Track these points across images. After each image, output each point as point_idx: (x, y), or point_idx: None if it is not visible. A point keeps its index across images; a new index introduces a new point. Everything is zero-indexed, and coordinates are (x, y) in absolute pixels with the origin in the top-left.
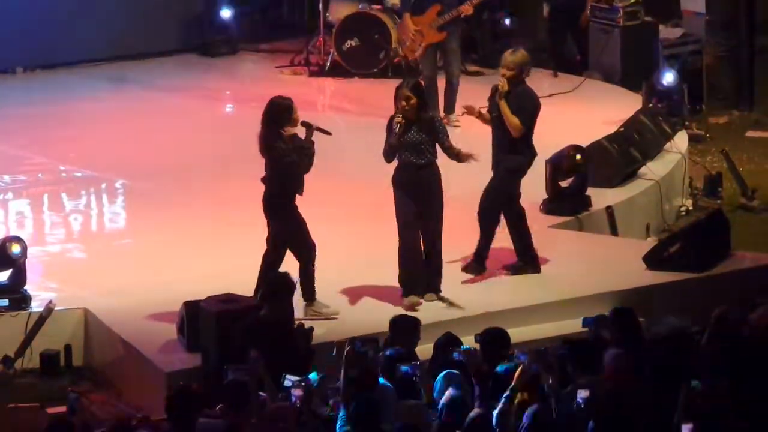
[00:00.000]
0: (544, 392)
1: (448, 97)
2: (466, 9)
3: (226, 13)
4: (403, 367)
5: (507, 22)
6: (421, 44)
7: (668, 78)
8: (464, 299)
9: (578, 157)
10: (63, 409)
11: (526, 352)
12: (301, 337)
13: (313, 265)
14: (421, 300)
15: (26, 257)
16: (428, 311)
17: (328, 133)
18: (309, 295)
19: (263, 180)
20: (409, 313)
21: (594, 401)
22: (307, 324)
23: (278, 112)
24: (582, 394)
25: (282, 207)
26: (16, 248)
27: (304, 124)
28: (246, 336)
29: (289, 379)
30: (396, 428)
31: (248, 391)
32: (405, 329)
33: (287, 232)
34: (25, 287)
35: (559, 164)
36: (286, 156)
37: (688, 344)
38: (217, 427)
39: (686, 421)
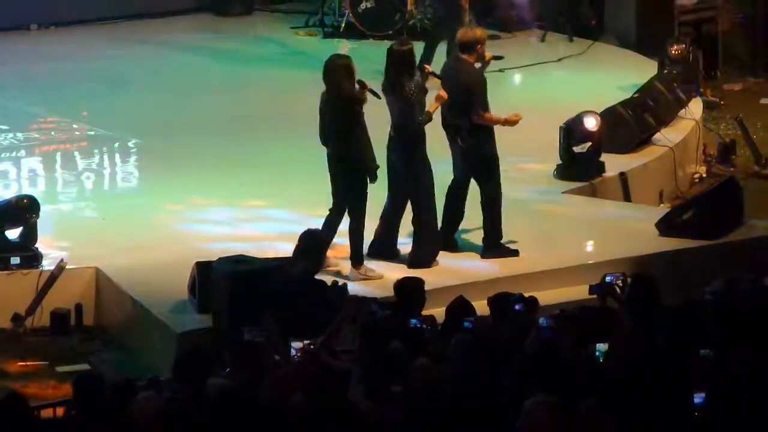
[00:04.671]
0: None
1: None
2: None
3: None
4: (413, 320)
5: None
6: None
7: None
8: (476, 264)
9: (593, 122)
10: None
11: (547, 317)
12: (336, 294)
13: (363, 228)
14: None
15: (38, 215)
16: (440, 275)
17: (378, 96)
18: (357, 257)
19: None
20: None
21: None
22: (342, 283)
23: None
24: (601, 347)
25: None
26: (30, 205)
27: (360, 83)
28: (276, 288)
29: (294, 348)
30: (406, 389)
31: (261, 352)
32: (410, 290)
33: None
34: (37, 245)
35: (573, 130)
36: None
37: (700, 313)
38: (229, 387)
39: (699, 391)
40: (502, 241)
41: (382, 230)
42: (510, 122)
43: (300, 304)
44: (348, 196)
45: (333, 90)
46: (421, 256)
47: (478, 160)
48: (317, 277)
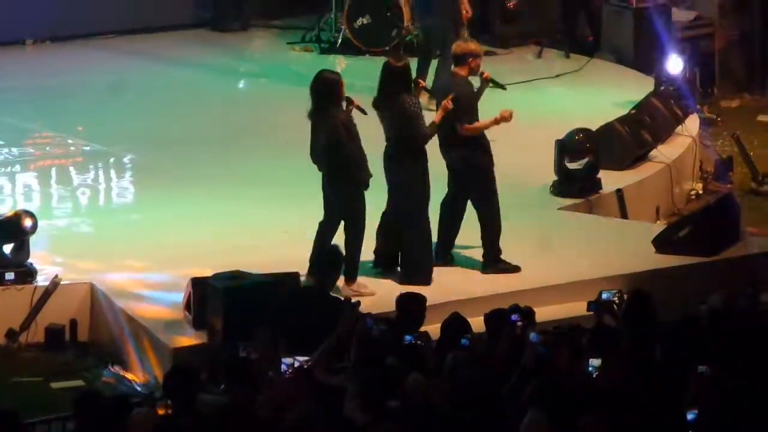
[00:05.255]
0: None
1: None
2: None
3: None
4: (408, 336)
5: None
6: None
7: (675, 65)
8: (473, 280)
9: (586, 139)
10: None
11: (537, 332)
12: (350, 311)
13: (360, 246)
14: None
15: (35, 231)
16: (436, 291)
17: (364, 113)
18: (350, 274)
19: None
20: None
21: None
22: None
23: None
24: (594, 362)
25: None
26: (28, 222)
27: (347, 99)
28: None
29: (284, 363)
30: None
31: (256, 368)
32: (411, 307)
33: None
34: (31, 261)
35: (568, 146)
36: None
37: (698, 330)
38: (220, 403)
39: (692, 408)
40: (501, 257)
41: (383, 243)
42: (502, 119)
43: (312, 319)
44: (343, 213)
45: (315, 108)
46: (414, 272)
47: (466, 172)
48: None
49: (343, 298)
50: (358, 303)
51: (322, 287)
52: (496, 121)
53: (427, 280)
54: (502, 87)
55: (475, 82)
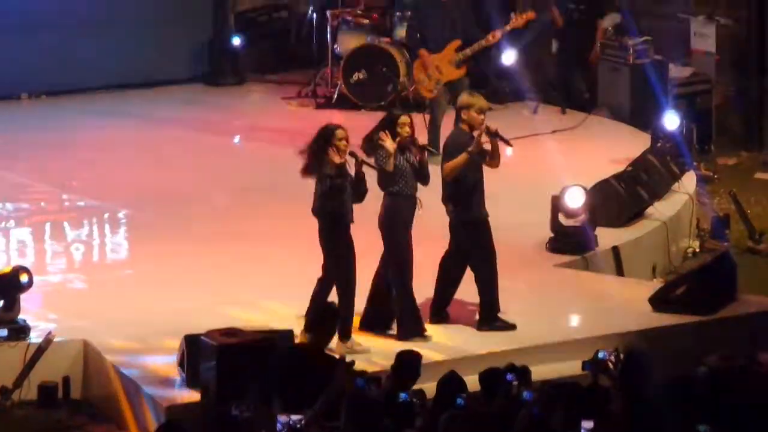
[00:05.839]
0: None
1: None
2: (494, 37)
3: (236, 41)
4: (403, 394)
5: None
6: (438, 82)
7: (672, 122)
8: (469, 338)
9: (582, 196)
10: None
11: (531, 391)
12: (348, 372)
13: (353, 302)
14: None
15: (30, 287)
16: (432, 348)
17: (372, 166)
18: (344, 332)
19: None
20: (412, 348)
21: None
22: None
23: (320, 137)
24: (586, 425)
25: (322, 235)
26: (24, 278)
27: (352, 154)
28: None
29: (280, 421)
30: None
31: (247, 426)
32: (406, 364)
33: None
34: (24, 317)
35: (564, 202)
36: (322, 182)
37: (695, 389)
38: None
39: None
40: (499, 314)
41: (376, 298)
42: (483, 130)
43: (306, 377)
44: (332, 271)
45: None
46: (407, 329)
47: (460, 227)
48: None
49: (337, 356)
50: (353, 362)
51: (316, 345)
52: (469, 153)
53: (422, 335)
54: (507, 142)
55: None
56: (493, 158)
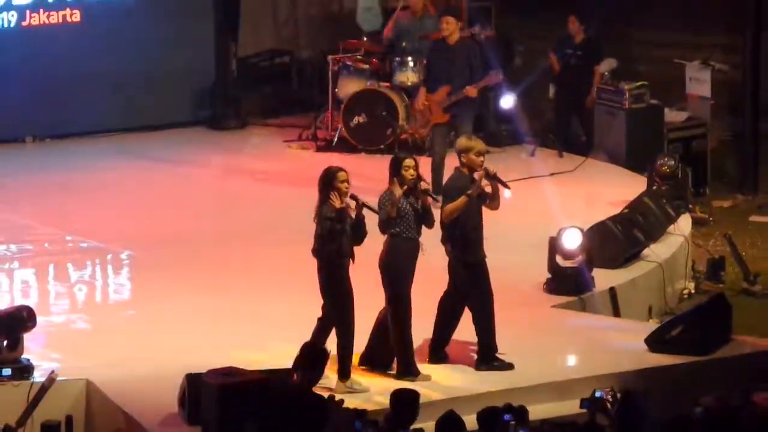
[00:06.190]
0: None
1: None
2: (470, 91)
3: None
4: None
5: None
6: (428, 122)
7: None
8: (466, 377)
9: (576, 238)
10: None
11: (529, 430)
12: (339, 411)
13: (352, 342)
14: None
15: (33, 327)
16: (430, 388)
17: (373, 210)
18: (343, 371)
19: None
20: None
21: None
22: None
23: (322, 179)
24: None
25: (321, 275)
26: (27, 317)
27: (353, 197)
28: (271, 400)
29: None
30: None
31: None
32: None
33: (327, 302)
34: (28, 357)
35: (561, 244)
36: (322, 224)
37: (691, 429)
38: None
39: None
40: (497, 354)
41: (377, 335)
42: (482, 173)
43: (297, 417)
44: (331, 312)
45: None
46: (405, 368)
47: (458, 268)
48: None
49: (326, 396)
50: (341, 401)
51: (304, 385)
52: (468, 196)
53: (418, 375)
54: (505, 185)
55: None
56: (492, 200)
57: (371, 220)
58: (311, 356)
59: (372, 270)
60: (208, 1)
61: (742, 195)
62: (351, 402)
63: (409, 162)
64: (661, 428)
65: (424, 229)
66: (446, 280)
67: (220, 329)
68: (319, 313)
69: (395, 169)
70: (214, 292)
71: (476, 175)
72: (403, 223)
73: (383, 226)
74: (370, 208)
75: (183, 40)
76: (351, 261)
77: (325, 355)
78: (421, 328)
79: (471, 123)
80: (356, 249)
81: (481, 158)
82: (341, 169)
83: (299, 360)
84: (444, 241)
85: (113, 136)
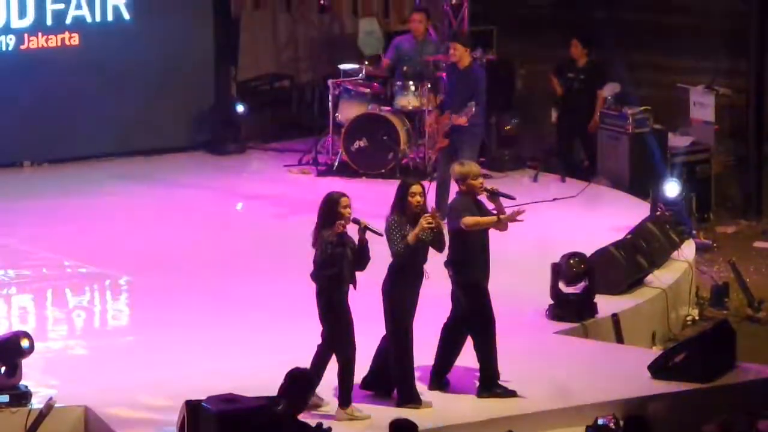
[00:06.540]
0: None
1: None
2: (455, 119)
3: (240, 109)
4: None
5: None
6: (435, 144)
7: (671, 190)
8: (468, 404)
9: (579, 264)
10: None
11: None
12: None
13: (353, 368)
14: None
15: (31, 353)
16: (431, 416)
17: (380, 234)
18: (344, 399)
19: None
20: (412, 414)
21: None
22: (326, 426)
23: (324, 205)
24: None
25: (319, 301)
26: (25, 343)
27: (355, 221)
28: (256, 429)
29: None
30: None
31: None
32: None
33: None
34: (26, 383)
35: (564, 270)
36: (321, 250)
37: None
38: None
39: None
40: (499, 381)
41: (380, 360)
42: (506, 219)
43: None
44: (330, 338)
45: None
46: (405, 395)
47: (460, 292)
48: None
49: (314, 425)
50: (329, 429)
51: (289, 413)
52: (498, 221)
53: (419, 402)
54: (509, 197)
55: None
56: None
57: (376, 245)
58: (295, 383)
59: (376, 292)
60: (207, 25)
61: (745, 221)
62: (351, 430)
63: (416, 188)
64: None
65: (431, 256)
66: (449, 306)
67: (220, 355)
68: (319, 340)
69: (402, 194)
70: (214, 318)
71: (484, 194)
72: (408, 249)
73: (400, 258)
74: (373, 231)
75: (182, 63)
76: (353, 287)
77: (309, 382)
78: (423, 354)
79: (472, 149)
80: (370, 272)
81: (479, 180)
82: (343, 195)
83: (283, 387)
84: (447, 264)
85: (112, 160)
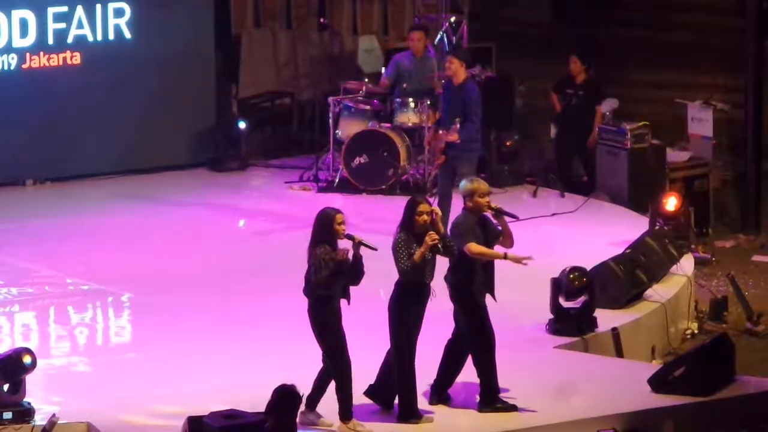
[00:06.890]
0: None
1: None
2: (442, 136)
3: (242, 125)
4: None
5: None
6: (434, 160)
7: (670, 205)
8: (468, 419)
9: (579, 278)
10: None
11: None
12: None
13: (349, 382)
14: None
15: (34, 370)
16: (432, 431)
17: (374, 249)
18: (345, 413)
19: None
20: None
21: None
22: None
23: (318, 221)
24: None
25: (311, 315)
26: (27, 360)
27: (349, 237)
28: None
29: None
30: None
31: None
32: None
33: (320, 343)
34: (29, 400)
35: (564, 285)
36: (315, 266)
37: None
38: None
39: None
40: (499, 396)
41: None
42: (513, 260)
43: None
44: (327, 356)
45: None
46: (406, 411)
47: (459, 308)
48: None
49: None
50: None
51: (275, 430)
52: (505, 256)
53: (417, 416)
54: (512, 216)
55: None
56: (506, 238)
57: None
58: (281, 400)
59: (375, 306)
60: (208, 43)
61: (744, 235)
62: None
63: (423, 207)
64: None
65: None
66: (452, 322)
67: (222, 371)
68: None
69: (410, 213)
70: (216, 335)
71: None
72: (414, 267)
73: (406, 276)
74: (367, 246)
75: (183, 81)
76: (347, 302)
77: (294, 398)
78: (427, 370)
79: (470, 164)
80: (366, 281)
81: (486, 198)
82: (338, 211)
83: (270, 404)
84: (447, 279)
85: (114, 178)
